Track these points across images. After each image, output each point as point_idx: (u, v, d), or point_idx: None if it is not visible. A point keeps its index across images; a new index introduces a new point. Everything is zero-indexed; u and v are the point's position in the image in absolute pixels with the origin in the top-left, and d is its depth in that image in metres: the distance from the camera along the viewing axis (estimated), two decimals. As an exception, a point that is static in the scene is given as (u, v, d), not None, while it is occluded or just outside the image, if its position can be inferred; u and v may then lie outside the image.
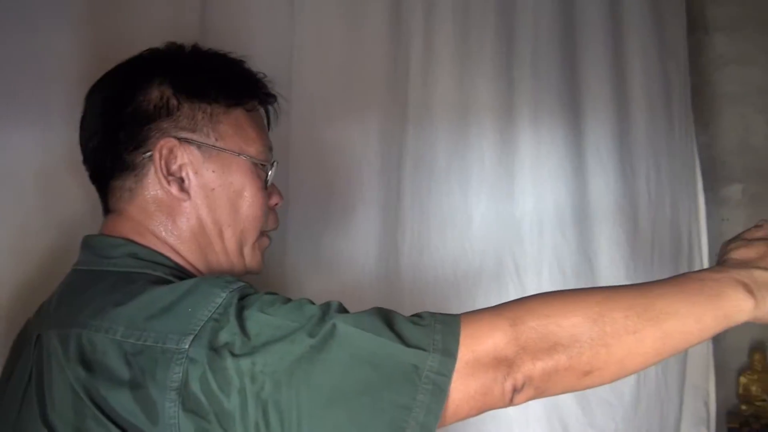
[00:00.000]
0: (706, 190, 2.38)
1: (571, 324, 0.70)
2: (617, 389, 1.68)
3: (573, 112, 1.75)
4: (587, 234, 1.73)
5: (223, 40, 1.40)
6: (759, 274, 0.77)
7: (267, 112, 1.05)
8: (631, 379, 1.69)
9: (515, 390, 0.70)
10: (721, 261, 0.84)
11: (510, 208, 1.70)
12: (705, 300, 0.74)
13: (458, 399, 0.68)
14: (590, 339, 0.69)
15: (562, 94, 1.74)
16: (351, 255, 1.57)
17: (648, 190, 1.78)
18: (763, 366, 2.23)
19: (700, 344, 1.82)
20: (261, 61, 1.41)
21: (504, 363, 0.69)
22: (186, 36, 1.32)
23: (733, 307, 0.74)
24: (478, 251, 1.67)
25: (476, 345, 0.69)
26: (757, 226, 0.89)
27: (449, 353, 0.68)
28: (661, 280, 0.79)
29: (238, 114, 0.92)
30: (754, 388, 2.23)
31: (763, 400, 2.21)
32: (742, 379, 2.25)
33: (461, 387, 0.68)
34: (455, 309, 0.80)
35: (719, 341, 2.32)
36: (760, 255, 0.80)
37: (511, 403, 0.72)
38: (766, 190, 2.41)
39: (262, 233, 0.98)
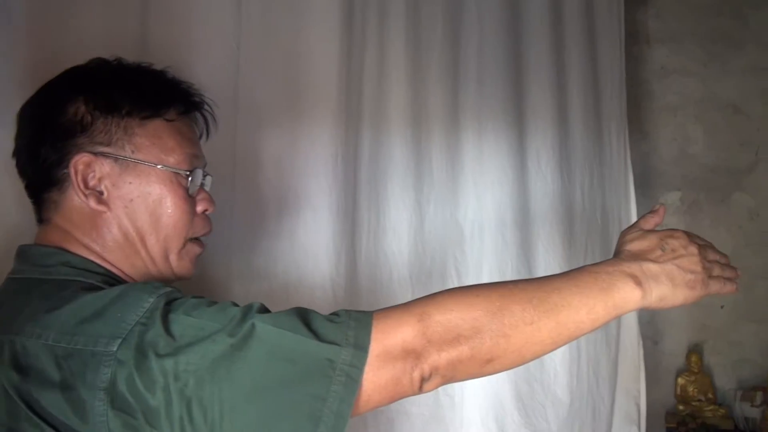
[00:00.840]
0: (645, 197, 2.47)
1: (472, 317, 0.77)
2: (551, 390, 1.74)
3: (515, 120, 1.80)
4: (526, 237, 1.78)
5: (166, 47, 1.41)
6: (648, 267, 0.85)
7: (205, 119, 1.07)
8: (564, 381, 1.75)
9: (423, 379, 0.76)
10: (618, 251, 0.91)
11: (455, 212, 1.74)
12: (597, 292, 0.81)
13: (370, 389, 0.73)
14: (490, 330, 0.76)
15: (506, 102, 1.79)
16: (305, 259, 1.57)
17: (582, 197, 1.85)
18: (699, 368, 2.32)
19: (632, 348, 1.95)
20: (205, 67, 1.43)
21: (412, 355, 0.75)
22: (127, 42, 1.33)
23: (622, 298, 0.82)
24: (429, 253, 1.71)
25: (386, 339, 0.75)
26: (652, 212, 0.96)
27: (361, 347, 0.73)
28: (560, 274, 0.87)
29: (156, 125, 0.93)
30: (690, 389, 2.31)
31: (699, 401, 2.29)
32: (680, 380, 2.33)
33: (373, 378, 0.73)
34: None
35: (657, 343, 2.42)
36: (651, 247, 0.87)
37: (420, 391, 0.77)
38: (703, 198, 2.50)
39: (193, 239, 1.00)
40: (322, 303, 1.53)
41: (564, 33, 1.87)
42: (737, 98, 2.54)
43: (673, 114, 2.56)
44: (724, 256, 0.94)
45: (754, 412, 2.23)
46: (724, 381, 2.39)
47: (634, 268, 0.84)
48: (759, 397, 2.24)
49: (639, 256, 0.86)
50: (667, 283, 0.84)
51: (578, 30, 1.87)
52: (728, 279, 0.92)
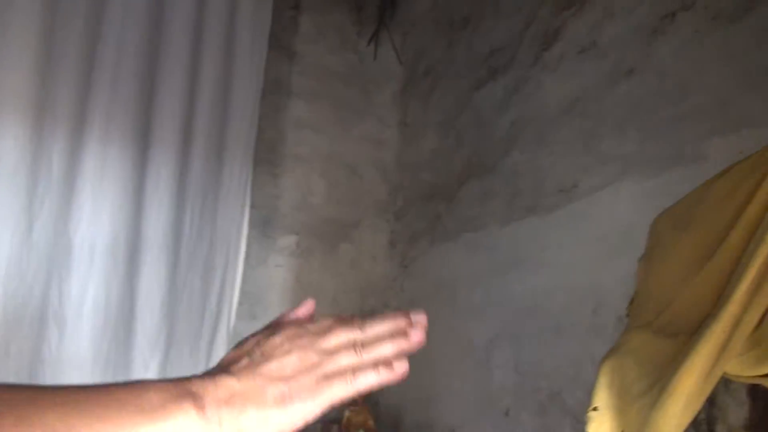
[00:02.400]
0: (266, 236, 2.61)
1: None
2: None
3: (142, 137, 1.74)
4: (135, 261, 1.71)
5: None
6: (223, 383, 0.60)
7: None
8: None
9: None
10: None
11: (67, 225, 1.58)
12: (133, 414, 0.56)
13: None
14: None
15: (135, 121, 1.72)
16: None
17: (191, 227, 1.86)
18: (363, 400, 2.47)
19: None
20: None
21: None
22: None
23: (173, 425, 0.56)
24: (32, 267, 1.51)
25: None
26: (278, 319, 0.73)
27: None
28: (102, 387, 0.58)
29: None
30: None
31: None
32: (347, 413, 2.45)
33: None
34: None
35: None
36: (242, 353, 0.64)
37: None
38: (315, 245, 2.74)
39: None
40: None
41: (202, 64, 1.89)
42: (355, 161, 2.89)
43: (301, 164, 2.77)
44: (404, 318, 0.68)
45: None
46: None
47: (201, 385, 0.59)
48: None
49: (223, 368, 0.62)
50: (246, 407, 0.59)
51: (217, 66, 1.93)
52: (382, 365, 0.65)
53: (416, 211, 2.73)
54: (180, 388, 0.58)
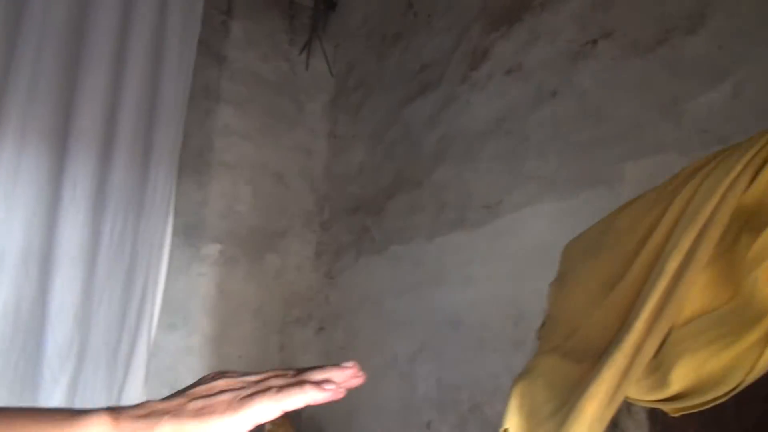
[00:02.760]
0: (189, 245, 2.54)
1: None
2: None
3: (61, 141, 1.66)
4: (48, 271, 1.63)
5: None
6: (146, 405, 0.59)
7: None
8: None
9: None
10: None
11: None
12: (47, 422, 0.55)
13: None
14: None
15: (55, 118, 1.64)
16: None
17: (111, 235, 1.79)
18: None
19: (135, 400, 1.90)
20: None
21: None
22: None
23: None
24: None
25: None
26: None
27: None
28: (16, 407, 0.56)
29: None
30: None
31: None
32: (268, 426, 2.38)
33: None
34: None
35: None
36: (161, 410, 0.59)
37: None
38: (239, 254, 2.68)
39: None
40: None
41: (127, 67, 1.83)
42: (282, 170, 2.86)
43: (228, 171, 2.72)
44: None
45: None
46: None
47: (121, 407, 0.58)
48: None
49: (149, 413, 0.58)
50: (162, 418, 0.57)
51: (143, 70, 1.86)
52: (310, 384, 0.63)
53: (343, 222, 2.73)
54: (99, 409, 0.57)
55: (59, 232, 1.64)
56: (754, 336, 0.59)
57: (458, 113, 2.06)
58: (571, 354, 0.81)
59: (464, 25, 2.12)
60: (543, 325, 0.97)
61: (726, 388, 0.60)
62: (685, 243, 0.67)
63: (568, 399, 0.74)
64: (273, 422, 2.45)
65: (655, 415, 0.76)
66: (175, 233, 2.19)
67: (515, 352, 1.62)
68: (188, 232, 2.52)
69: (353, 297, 2.54)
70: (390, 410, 2.13)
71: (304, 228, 2.87)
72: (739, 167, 0.66)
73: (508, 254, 1.72)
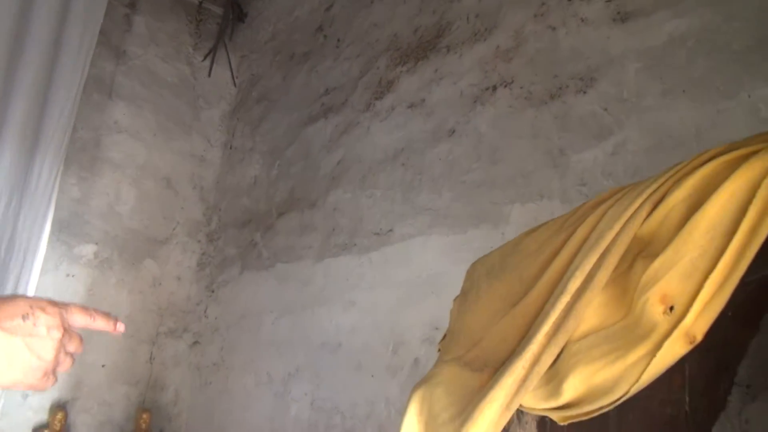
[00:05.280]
0: (62, 242, 2.38)
1: None
2: None
3: None
4: None
5: None
6: None
7: None
8: None
9: None
10: None
11: None
12: None
13: None
14: None
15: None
16: None
17: None
18: (62, 426, 2.26)
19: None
20: None
21: None
22: None
23: None
24: None
25: None
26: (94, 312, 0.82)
27: None
28: None
29: None
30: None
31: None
32: None
33: None
34: None
35: (27, 397, 2.26)
36: (16, 312, 0.72)
37: None
38: (117, 257, 2.54)
39: None
40: None
41: (24, 51, 1.72)
42: (172, 175, 2.77)
43: (113, 170, 2.59)
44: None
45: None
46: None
47: None
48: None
49: None
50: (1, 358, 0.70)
51: (41, 55, 1.76)
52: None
53: (231, 235, 2.67)
54: None
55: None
56: (641, 351, 0.65)
57: (358, 139, 2.10)
58: (471, 364, 0.86)
59: (372, 55, 2.17)
60: (444, 338, 1.03)
61: (613, 398, 0.67)
62: (587, 265, 0.74)
63: (466, 406, 0.78)
64: (133, 437, 2.33)
65: (544, 423, 0.80)
66: (47, 229, 2.05)
67: (392, 379, 1.65)
68: (61, 230, 2.37)
69: (233, 312, 2.48)
70: (260, 430, 2.09)
71: (189, 237, 2.78)
72: (639, 201, 0.74)
73: (393, 282, 1.76)
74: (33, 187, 1.80)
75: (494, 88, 1.64)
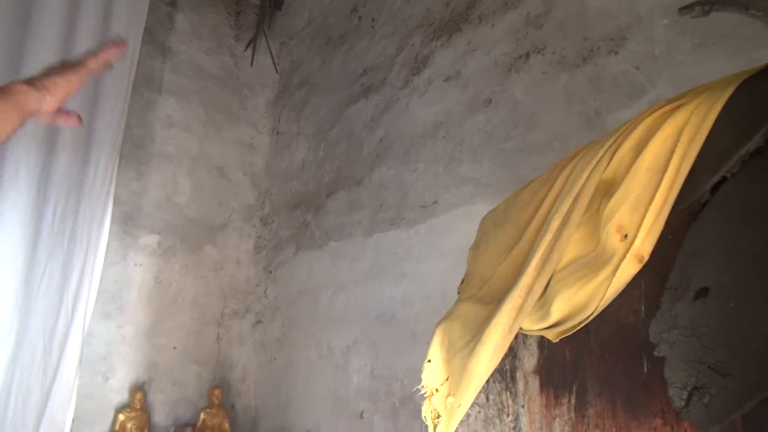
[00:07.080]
0: (127, 234, 2.53)
1: None
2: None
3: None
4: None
5: None
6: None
7: None
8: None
9: None
10: None
11: None
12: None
13: None
14: None
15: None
16: None
17: (53, 218, 1.79)
18: (142, 405, 2.42)
19: (68, 380, 1.94)
20: None
21: None
22: None
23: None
24: None
25: None
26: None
27: None
28: None
29: None
30: (129, 425, 2.39)
31: (137, 437, 2.39)
32: (120, 416, 2.38)
33: None
34: None
35: (108, 380, 2.44)
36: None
37: None
38: (179, 245, 2.69)
39: None
40: None
41: (72, 52, 1.82)
42: (224, 163, 2.88)
43: (168, 162, 2.72)
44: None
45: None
46: (162, 418, 2.54)
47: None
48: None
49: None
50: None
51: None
52: None
53: (283, 217, 2.78)
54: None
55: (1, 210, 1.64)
56: (605, 273, 0.81)
57: (398, 116, 2.15)
58: (482, 300, 1.04)
59: (407, 33, 2.20)
60: (462, 281, 1.21)
61: (587, 313, 0.82)
62: (563, 209, 0.90)
63: (477, 333, 0.96)
64: (207, 411, 2.48)
65: (542, 343, 0.96)
66: (112, 222, 2.18)
67: (445, 345, 1.71)
68: (126, 222, 2.52)
69: (291, 291, 2.59)
70: (324, 401, 2.20)
71: (244, 222, 2.90)
72: (601, 152, 0.89)
73: (441, 252, 1.81)
74: (90, 182, 1.92)
75: (527, 55, 1.66)
